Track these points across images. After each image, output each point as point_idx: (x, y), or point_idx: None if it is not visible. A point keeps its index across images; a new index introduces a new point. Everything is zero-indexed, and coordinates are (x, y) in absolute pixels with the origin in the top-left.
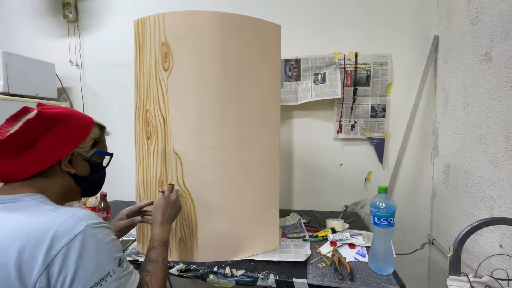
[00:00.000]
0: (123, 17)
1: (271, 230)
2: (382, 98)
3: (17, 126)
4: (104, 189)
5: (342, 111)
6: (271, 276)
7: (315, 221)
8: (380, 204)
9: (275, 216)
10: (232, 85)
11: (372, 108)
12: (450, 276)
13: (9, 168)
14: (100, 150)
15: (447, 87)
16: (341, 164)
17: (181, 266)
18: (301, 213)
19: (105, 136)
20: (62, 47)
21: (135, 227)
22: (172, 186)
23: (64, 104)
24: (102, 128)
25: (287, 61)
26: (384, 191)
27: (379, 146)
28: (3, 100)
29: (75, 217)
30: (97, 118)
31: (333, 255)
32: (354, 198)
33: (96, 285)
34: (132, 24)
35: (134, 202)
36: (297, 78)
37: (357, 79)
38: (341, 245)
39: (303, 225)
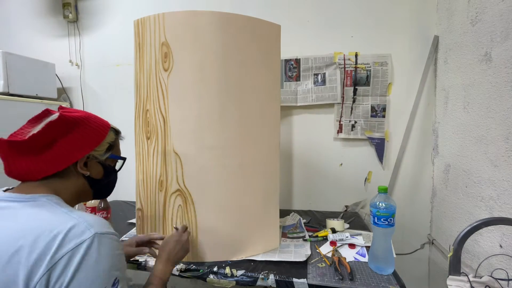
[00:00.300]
0: (123, 17)
1: (271, 230)
2: (382, 98)
3: (39, 127)
4: None
5: (342, 111)
6: (271, 276)
7: (315, 221)
8: (380, 204)
9: (275, 216)
10: (232, 85)
11: (372, 108)
12: (450, 276)
13: (28, 167)
14: (114, 154)
15: (447, 87)
16: (341, 164)
17: (181, 266)
18: (301, 213)
19: (119, 141)
20: (62, 47)
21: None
22: (186, 227)
23: (64, 104)
24: (117, 132)
25: (287, 61)
26: (384, 191)
27: (379, 146)
28: (3, 100)
29: (86, 223)
30: None
31: (333, 255)
32: (354, 198)
33: None
34: (132, 24)
35: (134, 202)
36: (297, 78)
37: (357, 79)
38: (341, 245)
39: (303, 225)
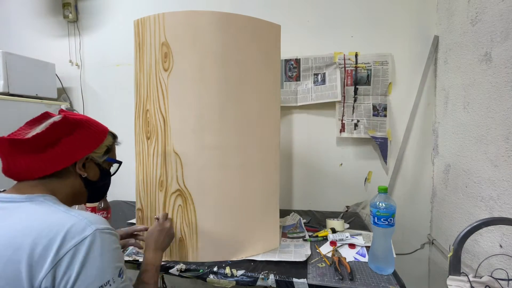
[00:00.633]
0: (123, 17)
1: (271, 230)
2: (383, 98)
3: (42, 127)
4: None
5: (343, 109)
6: (271, 276)
7: (315, 221)
8: (380, 204)
9: (275, 216)
10: (232, 85)
11: (374, 107)
12: (450, 276)
13: (27, 166)
14: (110, 157)
15: (447, 87)
16: (341, 164)
17: (181, 266)
18: (301, 213)
19: (116, 146)
20: (62, 47)
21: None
22: (166, 214)
23: (64, 104)
24: (114, 137)
25: (287, 61)
26: (384, 191)
27: (383, 146)
28: (3, 100)
29: (86, 220)
30: (97, 118)
31: (333, 255)
32: (354, 198)
33: None
34: (132, 24)
35: (134, 202)
36: (297, 78)
37: (357, 78)
38: (341, 245)
39: (303, 225)
